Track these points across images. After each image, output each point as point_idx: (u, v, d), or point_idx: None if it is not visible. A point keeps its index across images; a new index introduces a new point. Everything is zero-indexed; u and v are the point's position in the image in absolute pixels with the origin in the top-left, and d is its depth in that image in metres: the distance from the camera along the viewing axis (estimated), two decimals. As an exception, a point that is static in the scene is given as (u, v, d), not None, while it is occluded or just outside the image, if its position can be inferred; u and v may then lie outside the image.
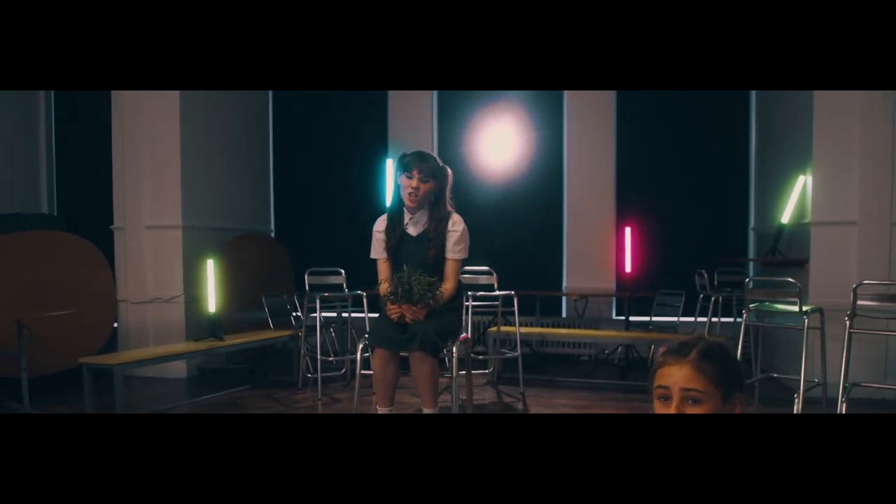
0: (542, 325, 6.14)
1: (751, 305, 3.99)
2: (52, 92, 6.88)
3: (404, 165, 3.16)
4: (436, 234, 3.18)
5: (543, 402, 4.62)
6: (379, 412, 3.14)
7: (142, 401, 4.75)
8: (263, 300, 5.46)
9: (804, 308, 3.82)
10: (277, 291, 5.69)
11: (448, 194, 3.25)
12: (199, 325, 5.41)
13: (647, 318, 5.96)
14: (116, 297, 5.43)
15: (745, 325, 3.94)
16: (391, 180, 6.34)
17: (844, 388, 3.97)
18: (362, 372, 3.24)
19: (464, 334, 3.43)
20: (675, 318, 5.72)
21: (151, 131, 5.49)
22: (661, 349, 1.37)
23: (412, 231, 3.23)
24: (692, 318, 5.71)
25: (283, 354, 5.89)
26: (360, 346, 3.23)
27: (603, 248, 6.44)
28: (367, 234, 3.38)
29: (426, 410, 3.11)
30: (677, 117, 6.48)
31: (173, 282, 5.52)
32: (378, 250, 3.29)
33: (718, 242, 6.34)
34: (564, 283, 6.57)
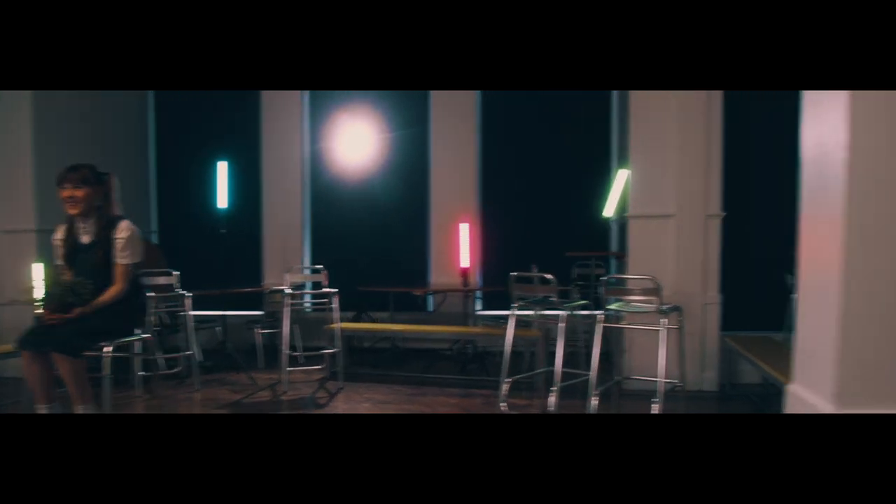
0: (395, 322, 6.22)
1: (522, 302, 4.07)
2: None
3: (57, 181, 3.37)
4: (104, 240, 3.32)
5: (352, 398, 4.73)
6: (39, 410, 3.26)
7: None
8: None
9: (567, 304, 3.91)
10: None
11: (114, 200, 3.37)
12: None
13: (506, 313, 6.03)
14: (-21, 300, 5.61)
15: (514, 319, 4.02)
16: (223, 181, 6.37)
17: (616, 381, 4.08)
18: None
19: (147, 335, 3.54)
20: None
21: (5, 134, 5.63)
22: None
23: (85, 239, 3.38)
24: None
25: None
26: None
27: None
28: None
29: (77, 408, 3.22)
30: (543, 115, 6.55)
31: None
32: (58, 257, 3.47)
33: (584, 235, 6.38)
34: (431, 280, 6.66)
